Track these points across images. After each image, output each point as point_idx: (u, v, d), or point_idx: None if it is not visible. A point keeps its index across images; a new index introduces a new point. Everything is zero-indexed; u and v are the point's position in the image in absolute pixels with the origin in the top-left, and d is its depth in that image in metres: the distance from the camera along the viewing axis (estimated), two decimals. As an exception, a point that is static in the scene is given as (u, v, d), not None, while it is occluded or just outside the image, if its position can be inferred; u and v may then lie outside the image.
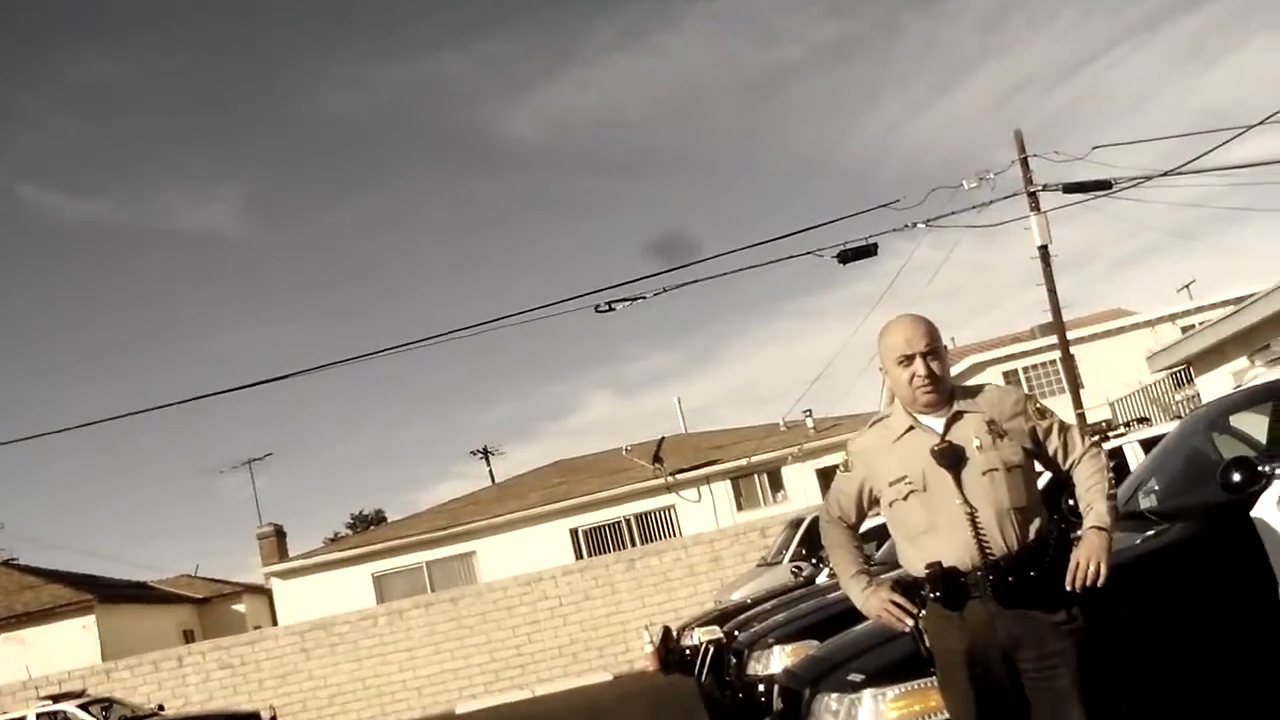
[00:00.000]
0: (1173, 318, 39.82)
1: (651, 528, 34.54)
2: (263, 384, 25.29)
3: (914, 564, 4.44)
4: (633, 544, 33.07)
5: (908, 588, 4.49)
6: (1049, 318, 27.07)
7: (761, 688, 8.94)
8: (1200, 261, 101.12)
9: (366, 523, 68.03)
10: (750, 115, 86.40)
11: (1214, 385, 20.62)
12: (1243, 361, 17.67)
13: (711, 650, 12.81)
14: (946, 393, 4.49)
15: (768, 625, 10.51)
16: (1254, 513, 5.03)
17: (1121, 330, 40.28)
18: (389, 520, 56.43)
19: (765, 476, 35.05)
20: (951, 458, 4.35)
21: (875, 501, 4.65)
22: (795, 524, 20.85)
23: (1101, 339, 39.55)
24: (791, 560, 19.11)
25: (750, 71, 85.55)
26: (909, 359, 4.44)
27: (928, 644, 4.42)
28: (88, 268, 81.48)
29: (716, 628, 13.58)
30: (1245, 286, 30.28)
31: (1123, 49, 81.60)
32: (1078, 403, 25.29)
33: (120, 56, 79.45)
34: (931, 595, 4.34)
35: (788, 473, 34.81)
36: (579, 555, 33.25)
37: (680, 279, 21.86)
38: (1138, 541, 5.33)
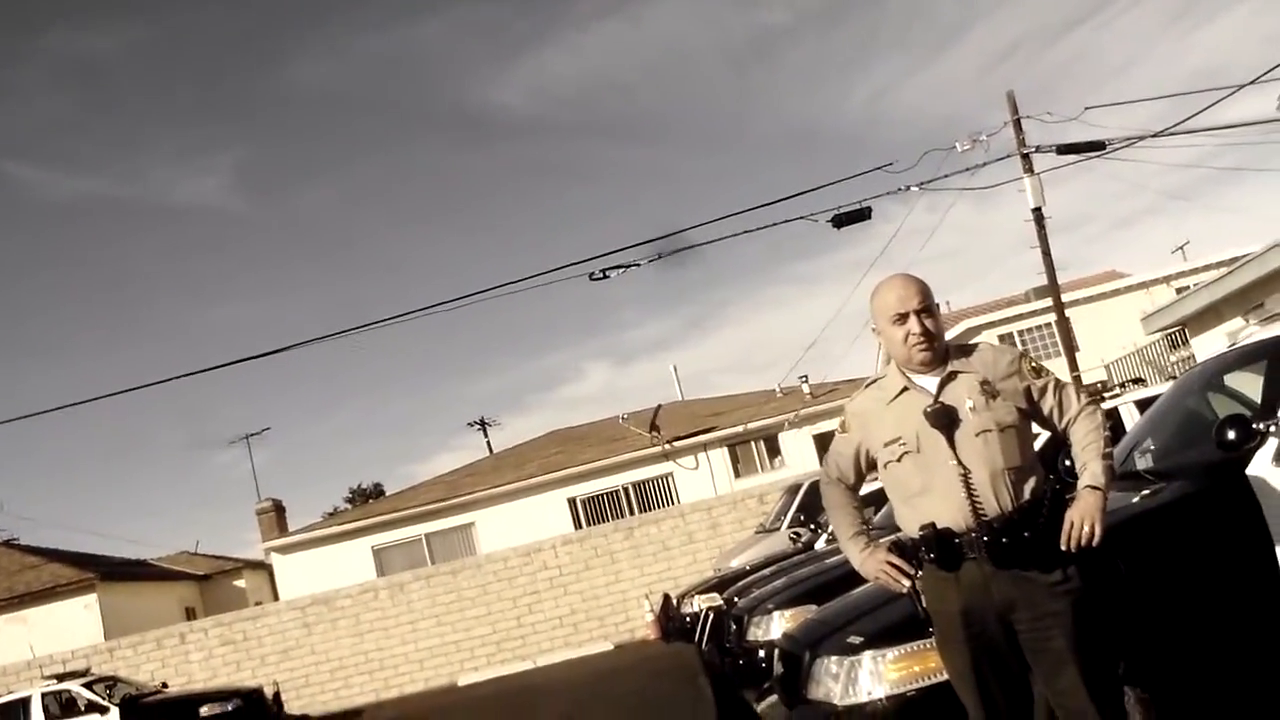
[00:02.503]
0: (1168, 279, 39.73)
1: (649, 496, 34.61)
2: (258, 358, 25.35)
3: (909, 525, 4.45)
4: (631, 513, 33.18)
5: (904, 549, 4.49)
6: (1044, 280, 27.02)
7: (762, 653, 8.98)
8: (1195, 222, 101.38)
9: (365, 496, 68.08)
10: (740, 80, 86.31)
11: (1209, 346, 20.66)
12: (1238, 321, 17.73)
13: (711, 617, 12.86)
14: (941, 352, 4.49)
15: (767, 591, 10.55)
16: (1249, 470, 5.05)
17: (1116, 292, 40.18)
18: (387, 493, 56.45)
19: (762, 443, 35.11)
20: (944, 418, 4.35)
21: (873, 463, 4.65)
22: (793, 490, 20.85)
23: (1097, 301, 39.45)
24: (789, 526, 19.13)
25: (738, 35, 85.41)
26: (903, 317, 4.44)
27: (924, 605, 4.44)
28: (80, 244, 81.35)
29: (716, 595, 13.63)
30: (1239, 247, 30.35)
31: (1113, 9, 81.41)
32: (1073, 365, 25.31)
33: (107, 31, 79.20)
34: (926, 556, 4.35)
35: (785, 439, 34.88)
36: (578, 525, 33.35)
37: (673, 245, 21.68)
38: (1134, 500, 5.35)
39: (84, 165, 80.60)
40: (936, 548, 4.30)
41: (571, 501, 34.71)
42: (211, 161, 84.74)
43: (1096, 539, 4.19)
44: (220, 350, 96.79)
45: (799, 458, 33.66)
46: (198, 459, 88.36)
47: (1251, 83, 19.45)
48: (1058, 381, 4.58)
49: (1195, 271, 38.23)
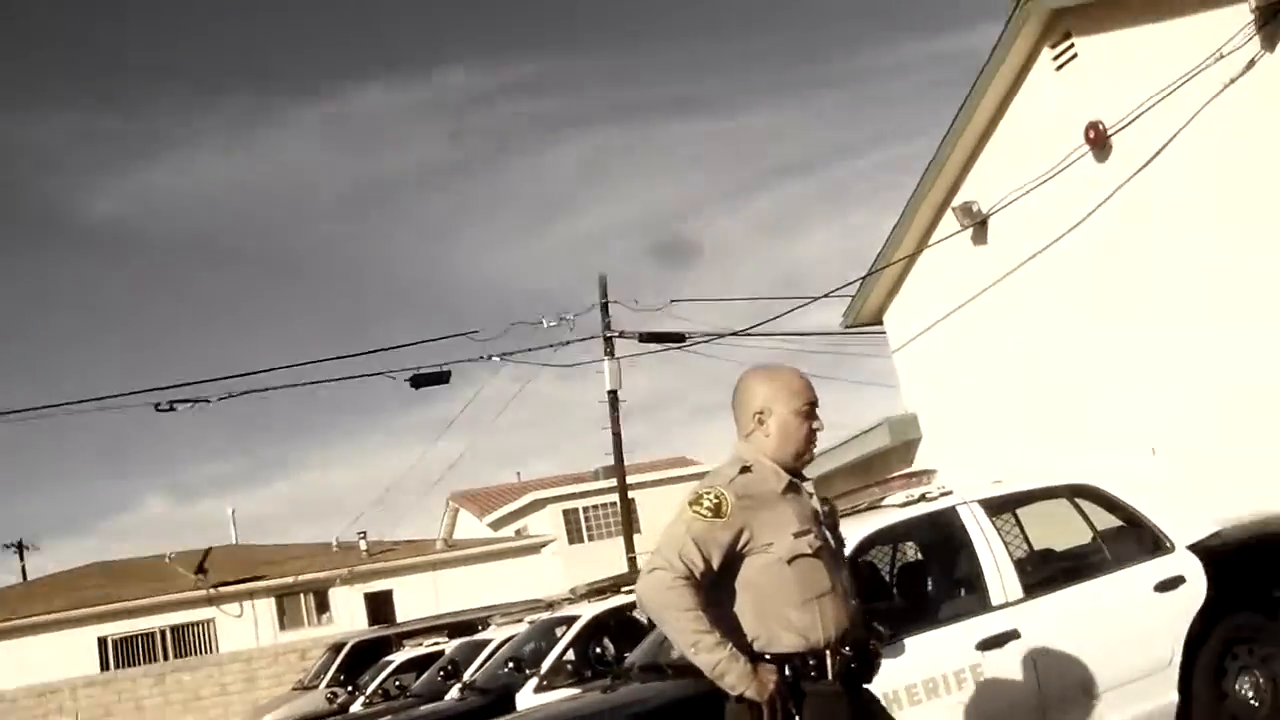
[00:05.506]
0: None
1: (189, 641, 33.15)
2: None
3: (808, 629, 3.89)
4: (166, 657, 31.65)
5: (780, 662, 3.88)
6: (613, 460, 27.57)
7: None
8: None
9: None
10: (351, 224, 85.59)
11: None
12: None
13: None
14: None
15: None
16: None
17: (682, 479, 41.43)
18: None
19: (312, 596, 34.47)
20: (833, 522, 4.15)
21: (740, 558, 3.94)
22: (337, 648, 20.55)
23: (664, 485, 40.57)
24: (328, 685, 18.81)
25: (354, 180, 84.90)
26: (813, 409, 4.12)
27: None
28: None
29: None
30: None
31: (714, 210, 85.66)
32: (630, 546, 25.74)
33: None
34: (848, 667, 3.91)
35: (335, 594, 34.37)
36: (105, 666, 31.49)
37: (247, 385, 21.00)
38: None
39: None
40: (859, 657, 3.96)
41: (102, 640, 32.79)
42: None
43: None
44: None
45: (348, 615, 33.22)
46: None
47: (825, 296, 20.47)
48: None
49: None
